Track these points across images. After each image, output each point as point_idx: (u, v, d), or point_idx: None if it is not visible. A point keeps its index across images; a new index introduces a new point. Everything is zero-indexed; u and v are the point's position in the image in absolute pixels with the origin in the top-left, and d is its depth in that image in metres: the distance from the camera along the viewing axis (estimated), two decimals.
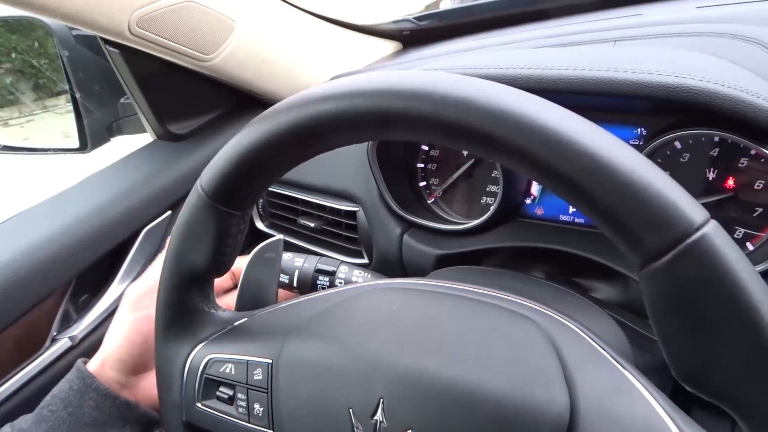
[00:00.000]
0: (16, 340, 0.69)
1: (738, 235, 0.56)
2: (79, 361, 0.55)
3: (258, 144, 0.38)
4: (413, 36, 0.99)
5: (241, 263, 0.55)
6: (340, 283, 0.66)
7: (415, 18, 0.97)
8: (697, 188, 0.57)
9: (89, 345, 0.75)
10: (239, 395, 0.44)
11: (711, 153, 0.56)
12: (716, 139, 0.56)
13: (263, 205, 0.90)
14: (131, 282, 0.79)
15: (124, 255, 0.79)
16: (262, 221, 0.91)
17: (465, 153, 0.71)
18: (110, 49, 0.76)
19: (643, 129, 0.60)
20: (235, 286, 0.61)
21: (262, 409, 0.42)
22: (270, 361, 0.43)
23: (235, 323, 0.47)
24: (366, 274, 0.67)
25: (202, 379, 0.45)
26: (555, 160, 0.29)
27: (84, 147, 0.90)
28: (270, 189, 0.87)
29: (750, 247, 0.56)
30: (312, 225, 0.83)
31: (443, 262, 0.70)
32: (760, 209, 0.55)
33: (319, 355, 0.41)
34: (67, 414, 0.51)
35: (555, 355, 0.35)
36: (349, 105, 0.34)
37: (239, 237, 0.44)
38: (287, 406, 0.41)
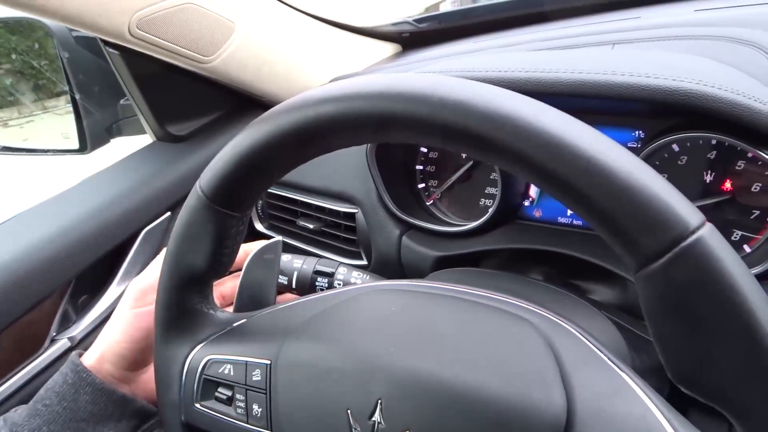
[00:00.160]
0: (15, 340, 0.69)
1: (735, 238, 0.57)
2: (74, 353, 0.54)
3: (257, 146, 0.38)
4: (413, 38, 0.99)
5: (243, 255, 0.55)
6: (339, 284, 0.66)
7: (415, 20, 0.97)
8: (694, 191, 0.57)
9: (88, 345, 0.74)
10: (238, 396, 0.44)
11: (708, 156, 0.56)
12: (714, 142, 0.56)
13: (262, 206, 0.90)
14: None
15: (124, 256, 0.79)
16: (261, 222, 0.91)
17: (464, 155, 0.72)
18: (110, 50, 0.76)
19: (640, 132, 0.60)
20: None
21: (260, 409, 0.42)
22: (269, 362, 0.43)
23: (234, 324, 0.47)
24: (365, 275, 0.67)
25: (201, 379, 0.45)
26: (552, 164, 0.29)
27: (84, 148, 0.90)
28: (269, 190, 0.87)
29: (747, 249, 0.56)
30: (311, 226, 0.83)
31: (442, 264, 0.70)
32: (757, 212, 0.55)
33: (317, 356, 0.41)
34: (62, 408, 0.50)
35: (552, 357, 0.35)
36: (349, 107, 0.35)
37: (238, 238, 0.45)
38: (286, 407, 0.41)
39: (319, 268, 0.67)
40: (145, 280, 0.57)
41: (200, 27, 0.73)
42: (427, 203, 0.76)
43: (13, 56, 1.03)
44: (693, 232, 0.27)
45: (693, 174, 0.57)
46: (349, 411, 0.38)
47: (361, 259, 0.79)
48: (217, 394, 0.45)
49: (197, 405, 0.45)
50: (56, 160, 1.00)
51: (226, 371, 0.44)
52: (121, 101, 0.92)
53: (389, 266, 0.75)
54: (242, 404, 0.43)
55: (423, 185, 0.76)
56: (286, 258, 0.68)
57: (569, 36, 0.75)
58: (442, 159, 0.74)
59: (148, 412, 0.55)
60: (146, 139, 0.89)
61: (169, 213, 0.82)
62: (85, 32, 0.73)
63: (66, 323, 0.75)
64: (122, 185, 0.79)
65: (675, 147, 0.57)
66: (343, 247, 0.81)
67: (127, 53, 0.75)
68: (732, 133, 0.52)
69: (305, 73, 0.88)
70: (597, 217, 0.30)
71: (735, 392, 0.28)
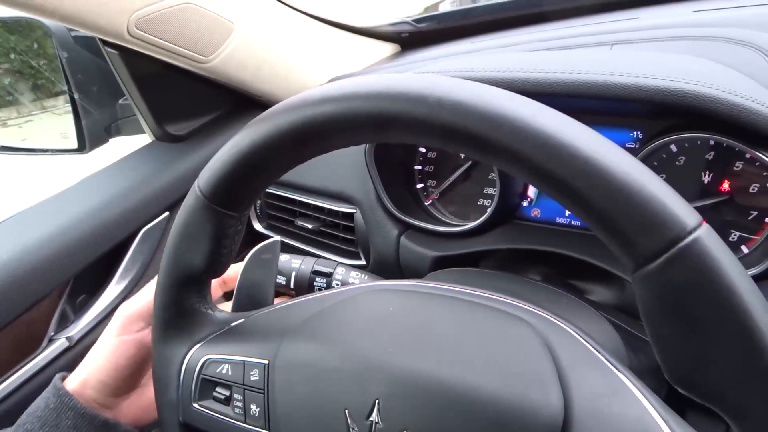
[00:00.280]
0: (13, 339, 0.69)
1: (733, 238, 0.57)
2: (57, 377, 0.53)
3: (256, 145, 0.38)
4: (411, 38, 0.99)
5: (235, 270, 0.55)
6: (337, 284, 0.66)
7: (414, 20, 0.97)
8: (692, 191, 0.57)
9: (86, 345, 0.75)
10: (236, 396, 0.44)
11: (706, 156, 0.57)
12: (712, 142, 0.56)
13: (261, 206, 0.90)
14: (126, 286, 0.79)
15: (122, 255, 0.79)
16: (260, 222, 0.91)
17: (462, 155, 0.72)
18: (109, 50, 0.76)
19: (639, 132, 0.60)
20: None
21: (258, 409, 0.42)
22: (267, 361, 0.43)
23: (232, 324, 0.47)
24: (363, 275, 0.67)
25: (199, 379, 0.45)
26: (550, 164, 0.30)
27: (82, 148, 0.90)
28: (268, 190, 0.87)
29: (745, 250, 0.56)
30: (309, 226, 0.83)
31: (440, 264, 0.70)
32: (755, 213, 0.55)
33: (315, 355, 0.41)
34: None
35: (549, 357, 0.35)
36: (347, 107, 0.35)
37: (237, 238, 0.45)
38: (283, 407, 0.41)
39: (318, 268, 0.67)
40: (133, 306, 0.55)
41: (199, 27, 0.73)
42: (426, 203, 0.76)
43: (12, 56, 1.02)
44: (690, 232, 0.28)
45: (691, 175, 0.57)
46: (346, 411, 0.38)
47: (360, 259, 0.79)
48: (214, 393, 0.45)
49: (195, 405, 0.45)
50: (55, 159, 1.00)
51: (224, 371, 0.44)
52: (120, 101, 0.92)
53: (388, 266, 0.75)
54: (240, 404, 0.43)
55: (421, 185, 0.76)
56: (284, 258, 0.68)
57: (568, 36, 0.75)
58: (440, 159, 0.74)
59: None
60: (145, 138, 0.89)
61: (167, 213, 0.82)
62: (84, 32, 0.73)
63: (64, 323, 0.75)
64: (121, 185, 0.79)
65: (673, 147, 0.58)
66: (342, 247, 0.81)
67: (125, 53, 0.75)
68: (730, 134, 0.52)
69: (304, 73, 0.88)
70: (594, 218, 0.30)
71: (731, 393, 0.29)
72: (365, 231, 0.76)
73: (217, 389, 0.45)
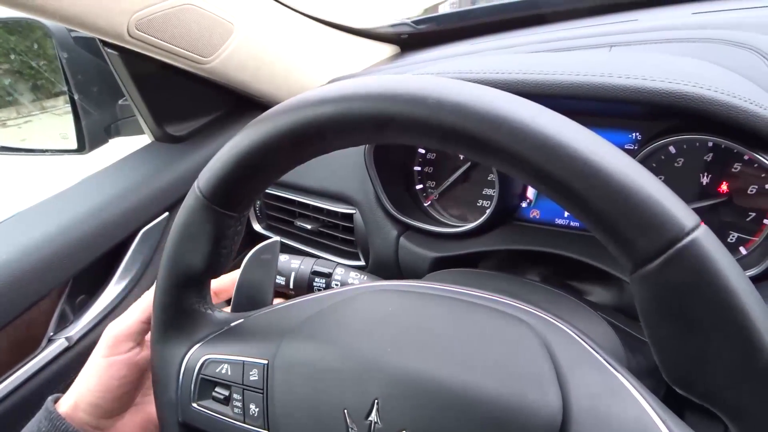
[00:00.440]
0: (12, 340, 0.69)
1: (731, 240, 0.57)
2: (49, 400, 0.52)
3: (256, 146, 0.38)
4: (411, 39, 1.00)
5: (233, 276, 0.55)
6: (337, 285, 0.66)
7: (413, 22, 0.97)
8: (691, 193, 0.58)
9: (85, 345, 0.75)
10: (235, 396, 0.44)
11: (705, 158, 0.57)
12: (710, 144, 0.56)
13: (260, 206, 0.90)
14: (125, 286, 0.79)
15: (121, 256, 0.79)
16: (260, 223, 0.91)
17: (461, 156, 0.72)
18: (109, 51, 0.76)
19: (637, 134, 0.61)
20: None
21: (257, 409, 0.43)
22: (266, 361, 0.43)
23: (232, 324, 0.47)
24: (362, 276, 0.67)
25: (198, 379, 0.45)
26: (548, 165, 0.30)
27: (82, 148, 0.90)
28: (267, 191, 0.87)
29: (743, 251, 0.57)
30: (309, 227, 0.83)
31: (439, 265, 0.70)
32: (753, 214, 0.56)
33: (314, 356, 0.41)
34: None
35: (548, 358, 0.35)
36: (347, 108, 0.35)
37: (236, 238, 0.45)
38: (282, 407, 0.41)
39: (317, 268, 0.67)
40: (121, 326, 0.54)
41: (199, 28, 0.73)
42: (425, 204, 0.76)
43: (12, 56, 1.03)
44: (688, 233, 0.28)
45: (689, 176, 0.57)
46: (345, 411, 0.38)
47: (359, 259, 0.79)
48: (214, 393, 0.45)
49: (194, 405, 0.45)
50: (55, 160, 1.00)
51: (224, 371, 0.44)
52: (120, 101, 0.92)
53: (387, 267, 0.75)
54: (239, 404, 0.43)
55: (421, 186, 0.76)
56: (283, 258, 0.68)
57: (567, 38, 0.75)
58: (439, 160, 0.74)
59: None
60: (144, 139, 0.89)
61: (167, 213, 0.82)
62: (84, 33, 0.73)
63: (63, 323, 0.75)
64: (120, 185, 0.80)
65: (672, 149, 0.58)
66: (341, 247, 0.82)
67: (125, 54, 0.75)
68: (728, 136, 0.52)
69: (304, 74, 0.88)
70: (593, 219, 0.30)
71: (729, 393, 0.29)
72: (364, 232, 0.76)
73: (217, 389, 0.45)
